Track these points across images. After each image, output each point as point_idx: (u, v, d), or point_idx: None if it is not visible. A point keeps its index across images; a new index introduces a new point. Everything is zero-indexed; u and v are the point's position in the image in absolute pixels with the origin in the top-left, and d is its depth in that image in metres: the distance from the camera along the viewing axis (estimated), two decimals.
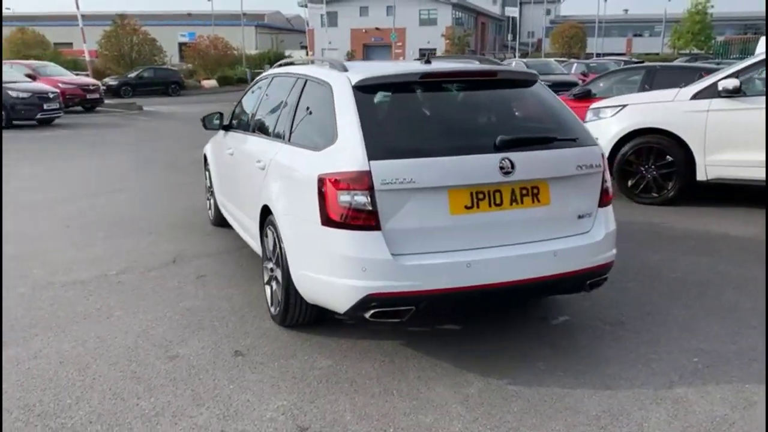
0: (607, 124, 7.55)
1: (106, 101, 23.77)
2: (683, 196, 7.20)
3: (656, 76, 10.05)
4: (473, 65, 3.99)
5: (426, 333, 3.89)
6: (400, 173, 3.12)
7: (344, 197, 3.13)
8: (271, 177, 3.91)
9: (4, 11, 64.24)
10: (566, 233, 3.49)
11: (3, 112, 15.57)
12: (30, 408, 3.06)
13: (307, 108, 3.88)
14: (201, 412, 3.01)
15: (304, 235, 3.42)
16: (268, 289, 4.05)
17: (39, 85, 17.13)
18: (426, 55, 4.35)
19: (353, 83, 3.43)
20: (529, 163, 3.33)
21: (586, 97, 10.17)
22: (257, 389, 3.23)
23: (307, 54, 56.73)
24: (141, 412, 3.03)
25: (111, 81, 34.59)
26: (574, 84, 14.68)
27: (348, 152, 3.21)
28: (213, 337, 3.84)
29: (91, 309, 4.30)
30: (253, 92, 5.24)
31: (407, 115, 3.50)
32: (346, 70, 3.63)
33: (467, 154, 3.23)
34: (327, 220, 3.19)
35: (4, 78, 16.57)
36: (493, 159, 3.23)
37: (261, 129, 4.61)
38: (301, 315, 3.75)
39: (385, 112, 3.49)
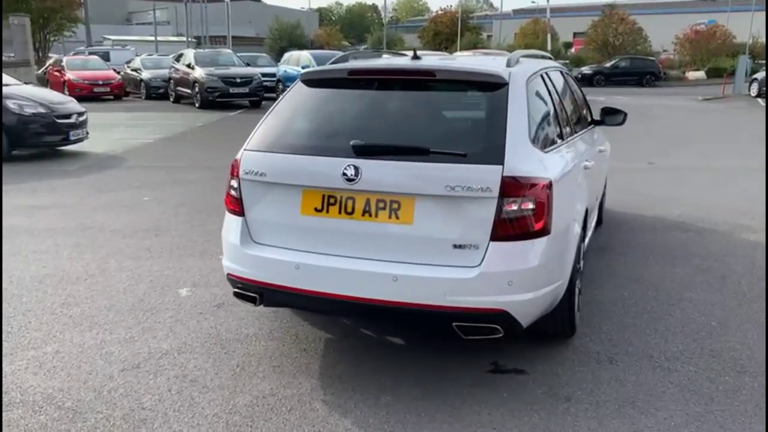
0: None
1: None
2: None
3: None
4: (412, 63, 3.50)
5: (365, 338, 3.80)
6: (255, 165, 3.26)
7: (231, 182, 3.43)
8: None
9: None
10: (434, 261, 2.98)
11: None
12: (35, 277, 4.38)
13: None
14: (90, 329, 3.82)
15: None
16: None
17: None
18: (414, 51, 3.90)
19: (300, 76, 3.62)
20: (381, 174, 2.98)
21: None
22: (147, 323, 3.93)
23: None
24: (63, 308, 4.05)
25: (586, 70, 35.76)
26: None
27: None
28: (197, 279, 4.63)
29: (167, 247, 5.44)
30: None
31: (304, 110, 3.47)
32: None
33: (321, 155, 3.12)
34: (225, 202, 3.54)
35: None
36: (339, 164, 3.03)
37: None
38: None
39: (300, 106, 3.52)
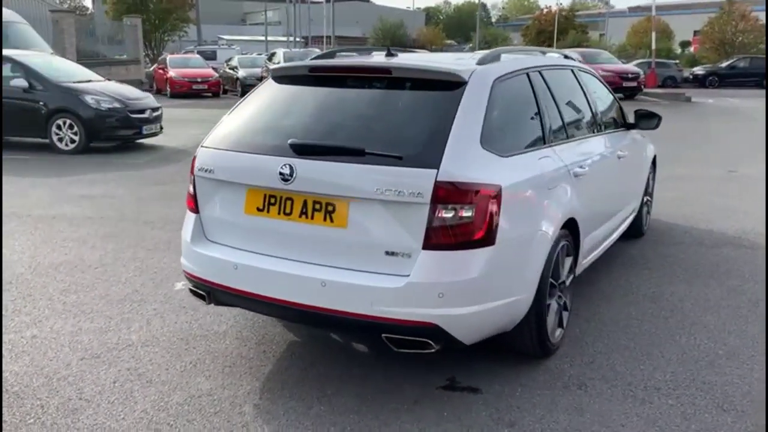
0: None
1: (653, 90, 23.70)
2: None
3: None
4: (371, 60, 3.30)
5: (331, 343, 3.70)
6: (206, 162, 3.23)
7: (190, 179, 3.43)
8: None
9: None
10: (366, 268, 2.83)
11: None
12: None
13: None
14: (75, 317, 3.93)
15: None
16: None
17: None
18: (388, 48, 3.66)
19: (270, 72, 3.57)
20: (315, 174, 2.87)
21: None
22: (129, 314, 4.01)
23: None
24: (61, 295, 4.17)
25: (698, 71, 33.70)
26: None
27: None
28: None
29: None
30: None
31: (263, 107, 3.38)
32: None
33: (264, 153, 3.04)
34: None
35: None
36: (276, 162, 2.94)
37: None
38: None
39: (262, 102, 3.44)
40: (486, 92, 3.06)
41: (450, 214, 2.72)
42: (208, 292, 3.25)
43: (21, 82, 9.93)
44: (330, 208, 2.88)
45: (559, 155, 3.49)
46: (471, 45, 60.86)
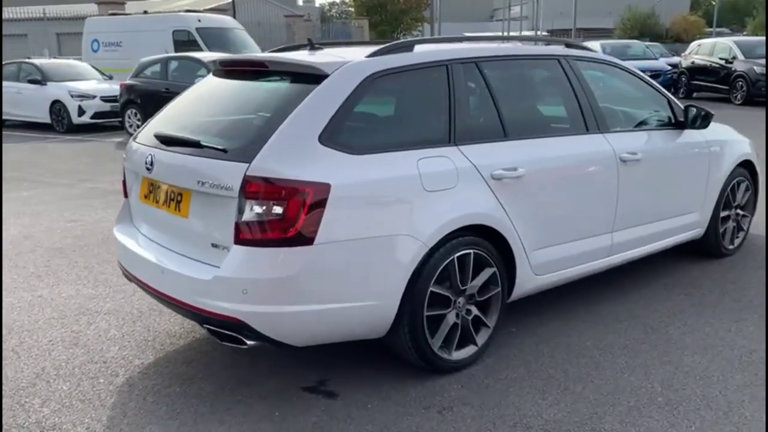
0: None
1: None
2: None
3: None
4: (253, 55, 3.15)
5: None
6: (126, 152, 3.53)
7: None
8: None
9: None
10: (198, 257, 2.89)
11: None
12: None
13: None
14: (85, 284, 4.48)
15: None
16: None
17: None
18: (310, 41, 3.38)
19: None
20: (165, 164, 3.00)
21: None
22: (129, 287, 4.34)
23: None
24: (95, 263, 4.73)
25: None
26: None
27: None
28: None
29: None
30: None
31: (184, 100, 3.51)
32: None
33: (145, 145, 3.25)
34: None
35: None
36: (146, 152, 3.13)
37: None
38: None
39: (187, 95, 3.57)
40: (349, 87, 2.89)
41: (260, 210, 2.65)
42: (123, 270, 3.55)
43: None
44: (179, 198, 3.00)
45: (467, 155, 3.14)
46: (745, 33, 54.20)
